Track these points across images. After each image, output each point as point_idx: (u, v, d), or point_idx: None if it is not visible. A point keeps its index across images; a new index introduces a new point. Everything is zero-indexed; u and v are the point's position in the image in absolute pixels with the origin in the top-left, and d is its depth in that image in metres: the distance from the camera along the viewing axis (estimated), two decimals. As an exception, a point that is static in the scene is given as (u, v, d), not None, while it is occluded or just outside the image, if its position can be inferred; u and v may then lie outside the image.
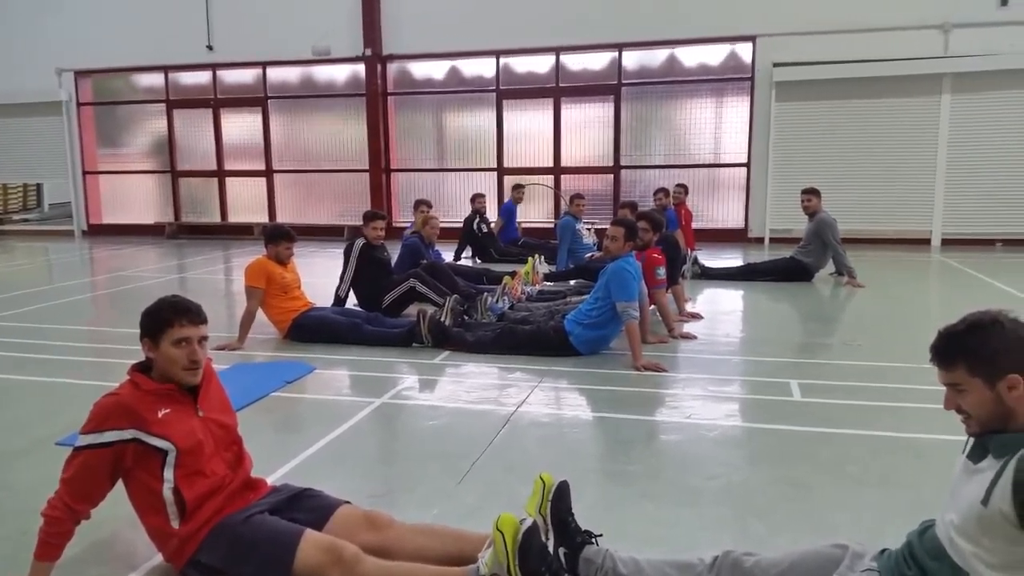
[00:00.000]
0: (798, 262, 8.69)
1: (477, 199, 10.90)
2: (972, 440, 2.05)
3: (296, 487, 2.85)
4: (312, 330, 6.07)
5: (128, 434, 2.53)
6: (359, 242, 6.84)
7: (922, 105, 11.58)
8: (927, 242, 11.71)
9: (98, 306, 8.36)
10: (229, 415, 2.82)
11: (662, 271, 6.18)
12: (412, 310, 6.47)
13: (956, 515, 1.99)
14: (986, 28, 11.14)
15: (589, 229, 9.89)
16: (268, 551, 2.49)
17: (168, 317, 2.60)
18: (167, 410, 2.60)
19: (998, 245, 11.47)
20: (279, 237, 6.11)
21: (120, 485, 2.63)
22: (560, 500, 2.57)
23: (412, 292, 6.91)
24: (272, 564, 2.47)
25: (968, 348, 1.95)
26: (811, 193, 8.77)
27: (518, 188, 11.44)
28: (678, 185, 10.65)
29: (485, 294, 6.76)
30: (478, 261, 10.44)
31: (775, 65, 11.86)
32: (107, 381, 5.16)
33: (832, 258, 8.57)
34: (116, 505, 3.29)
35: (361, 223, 6.97)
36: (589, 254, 9.06)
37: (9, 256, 12.88)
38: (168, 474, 2.56)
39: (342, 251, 7.00)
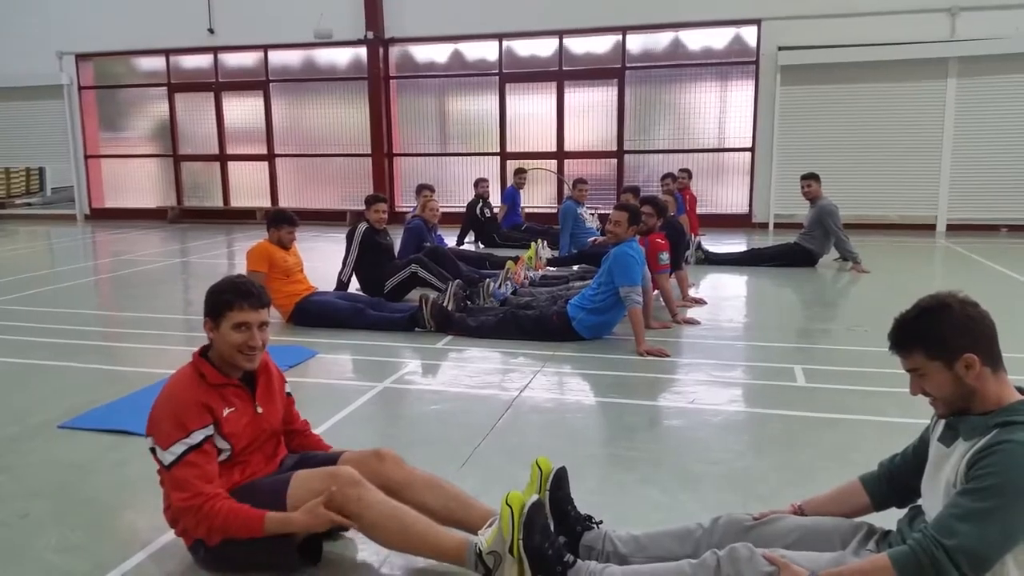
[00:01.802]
0: (802, 247, 8.65)
1: (480, 184, 10.87)
2: (943, 424, 2.09)
3: (296, 455, 2.84)
4: (314, 314, 6.06)
5: (210, 430, 2.49)
6: (362, 227, 6.83)
7: (928, 89, 11.49)
8: (932, 227, 11.64)
9: (101, 290, 8.35)
10: (279, 413, 2.78)
11: (665, 256, 6.15)
12: (414, 295, 6.45)
13: (935, 501, 2.01)
14: (993, 12, 11.02)
15: (592, 214, 9.85)
16: (261, 506, 2.45)
17: (229, 300, 2.55)
18: (231, 408, 2.56)
19: (1003, 230, 11.41)
20: (281, 221, 6.10)
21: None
22: (559, 488, 2.53)
23: (414, 277, 6.89)
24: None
25: (921, 333, 2.00)
26: (811, 178, 8.71)
27: (520, 172, 11.39)
28: (681, 169, 10.61)
29: (488, 279, 6.73)
30: (481, 246, 10.41)
31: (780, 49, 11.76)
32: (110, 365, 5.17)
33: (835, 245, 8.54)
34: (116, 487, 3.29)
35: (363, 207, 6.96)
36: (591, 238, 9.03)
37: (12, 240, 12.88)
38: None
39: (344, 236, 6.99)
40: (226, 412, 2.54)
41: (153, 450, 2.48)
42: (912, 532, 2.08)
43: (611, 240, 5.54)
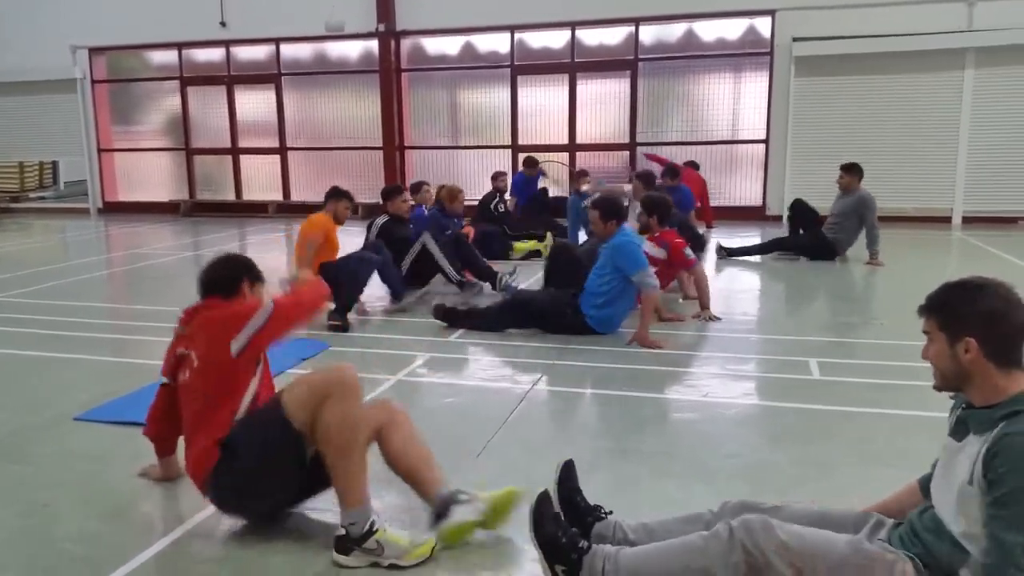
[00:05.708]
0: (825, 239, 8.55)
1: (499, 177, 10.72)
2: (955, 419, 2.08)
3: None
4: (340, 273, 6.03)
5: None
6: (380, 219, 6.86)
7: (945, 80, 11.35)
8: (948, 220, 11.54)
9: (114, 283, 8.40)
10: None
11: (689, 251, 6.11)
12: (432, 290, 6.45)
13: (948, 495, 2.00)
14: (1012, 1, 10.86)
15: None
16: (262, 418, 2.66)
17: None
18: None
19: (1021, 223, 11.30)
20: (340, 195, 6.24)
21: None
22: (567, 479, 2.55)
23: (424, 253, 6.72)
24: (269, 425, 2.61)
25: (945, 302, 2.02)
26: (848, 170, 8.64)
27: (532, 164, 11.29)
28: (671, 165, 10.29)
29: (500, 273, 6.73)
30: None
31: (795, 40, 11.65)
32: (124, 358, 5.20)
33: (867, 236, 8.35)
34: (133, 478, 3.31)
35: (381, 201, 6.97)
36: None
37: (26, 233, 12.97)
38: (255, 385, 2.79)
39: (364, 227, 7.00)
40: None
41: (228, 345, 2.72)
42: (922, 521, 2.07)
43: (596, 239, 5.51)
